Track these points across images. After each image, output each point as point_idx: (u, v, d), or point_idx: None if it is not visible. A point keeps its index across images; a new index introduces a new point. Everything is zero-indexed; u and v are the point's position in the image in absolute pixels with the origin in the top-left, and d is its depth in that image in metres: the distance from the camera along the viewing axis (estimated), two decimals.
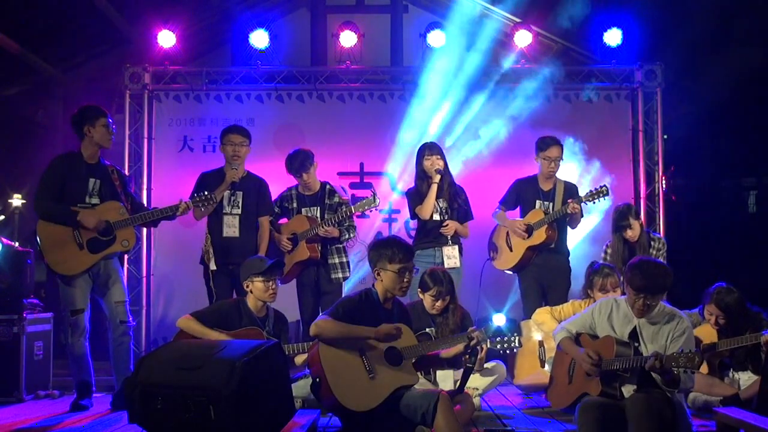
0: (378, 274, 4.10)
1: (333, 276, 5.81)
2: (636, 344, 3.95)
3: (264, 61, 7.65)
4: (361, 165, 7.69)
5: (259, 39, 7.50)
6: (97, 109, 5.22)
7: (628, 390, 3.89)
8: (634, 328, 4.00)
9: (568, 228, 6.00)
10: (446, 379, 4.79)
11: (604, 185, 5.69)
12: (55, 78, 8.60)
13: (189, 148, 7.67)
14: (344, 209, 5.74)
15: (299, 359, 4.78)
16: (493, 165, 7.44)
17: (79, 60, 8.66)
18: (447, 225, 5.74)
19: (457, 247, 5.79)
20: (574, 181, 6.26)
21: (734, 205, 9.75)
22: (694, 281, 5.71)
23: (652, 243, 5.90)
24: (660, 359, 3.68)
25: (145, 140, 7.61)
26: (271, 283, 4.75)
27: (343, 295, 5.57)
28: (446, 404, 3.74)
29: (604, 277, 5.06)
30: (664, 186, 7.52)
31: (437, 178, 5.72)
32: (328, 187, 5.96)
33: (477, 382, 4.88)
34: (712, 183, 9.58)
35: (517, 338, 4.29)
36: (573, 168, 7.11)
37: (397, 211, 7.60)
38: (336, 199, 5.91)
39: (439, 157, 5.80)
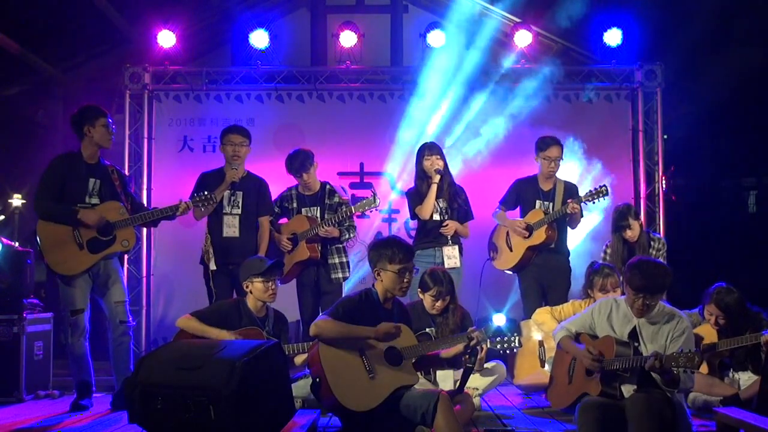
0: (378, 274, 4.10)
1: (333, 276, 5.81)
2: (636, 344, 3.95)
3: (264, 61, 7.65)
4: (361, 165, 7.69)
5: (259, 39, 7.50)
6: (96, 109, 5.22)
7: (627, 390, 3.89)
8: (634, 327, 4.01)
9: (569, 228, 6.00)
10: (446, 379, 4.79)
11: (604, 185, 5.69)
12: (55, 78, 8.60)
13: (189, 148, 7.67)
14: (344, 209, 5.74)
15: (299, 359, 4.78)
16: (493, 165, 7.45)
17: (79, 60, 8.66)
18: (447, 225, 5.74)
19: (457, 247, 5.79)
20: (574, 181, 6.26)
21: (734, 205, 9.74)
22: (694, 281, 5.71)
23: (652, 243, 5.90)
24: (660, 359, 3.68)
25: (145, 140, 7.61)
26: (270, 283, 4.75)
27: (343, 295, 5.58)
28: (446, 404, 3.74)
29: (604, 277, 5.06)
30: (664, 186, 7.52)
31: (437, 178, 5.72)
32: (328, 187, 5.96)
33: (477, 382, 4.88)
34: (712, 183, 9.58)
35: (517, 338, 4.29)
36: (573, 168, 7.11)
37: (397, 211, 7.60)
38: (336, 199, 5.91)
39: (438, 157, 5.80)
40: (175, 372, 3.35)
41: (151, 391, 3.33)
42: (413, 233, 6.27)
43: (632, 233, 5.81)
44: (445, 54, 7.53)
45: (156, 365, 3.43)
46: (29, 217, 7.59)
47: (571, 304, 5.23)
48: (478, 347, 4.22)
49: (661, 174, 7.52)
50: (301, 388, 4.74)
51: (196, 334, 4.59)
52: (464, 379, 4.31)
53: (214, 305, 5.05)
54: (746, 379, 4.87)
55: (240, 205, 5.71)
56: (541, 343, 5.23)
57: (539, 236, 5.77)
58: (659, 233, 7.10)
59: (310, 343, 4.35)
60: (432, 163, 5.77)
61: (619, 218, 5.85)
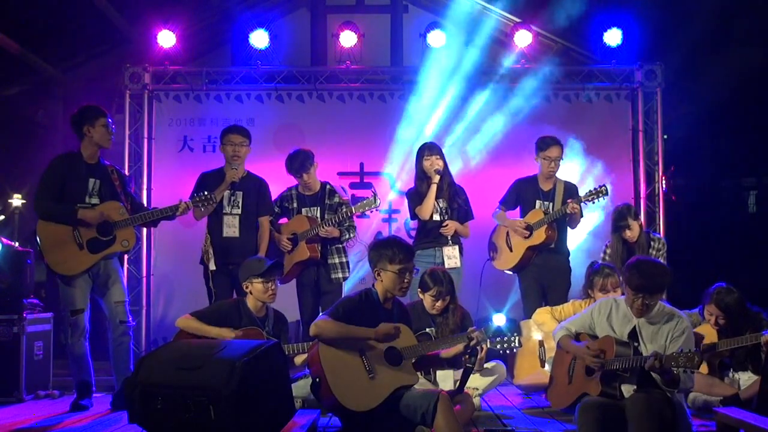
0: (378, 275, 4.10)
1: (333, 276, 5.81)
2: (635, 344, 3.95)
3: (264, 61, 7.65)
4: (361, 165, 7.69)
5: (259, 39, 7.49)
6: (96, 109, 5.22)
7: (627, 390, 3.90)
8: (634, 327, 4.01)
9: (569, 228, 6.00)
10: (446, 379, 4.79)
11: (604, 185, 5.69)
12: (55, 78, 8.60)
13: (189, 148, 7.67)
14: (344, 210, 5.74)
15: (299, 359, 4.79)
16: (493, 165, 7.45)
17: (79, 60, 8.65)
18: (446, 225, 5.74)
19: (457, 247, 5.79)
20: (574, 181, 6.26)
21: (734, 205, 9.74)
22: (694, 281, 5.71)
23: (652, 243, 5.90)
24: (659, 359, 3.68)
25: (145, 140, 7.61)
26: (270, 284, 4.75)
27: (343, 295, 5.58)
28: (446, 404, 3.74)
29: (604, 278, 5.06)
30: (664, 186, 7.52)
31: (436, 178, 5.72)
32: (328, 187, 5.96)
33: (477, 382, 4.88)
34: (712, 183, 9.58)
35: (517, 338, 4.29)
36: (573, 168, 7.11)
37: (397, 211, 7.60)
38: (336, 200, 5.91)
39: (438, 157, 5.80)
40: (175, 372, 3.35)
41: (151, 391, 3.33)
42: (413, 233, 6.28)
43: (631, 233, 5.81)
44: (445, 54, 7.53)
45: (156, 365, 3.43)
46: (29, 217, 7.59)
47: (571, 304, 5.23)
48: (478, 347, 4.22)
49: (661, 174, 7.52)
50: (301, 388, 4.74)
51: (195, 333, 4.59)
52: (464, 379, 4.31)
53: (214, 305, 5.05)
54: (746, 379, 4.86)
55: (240, 205, 5.71)
56: (541, 343, 5.23)
57: (539, 236, 5.77)
58: (659, 233, 7.10)
59: (310, 343, 4.35)
60: (432, 164, 5.77)
61: (619, 218, 5.85)
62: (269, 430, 3.50)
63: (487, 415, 4.87)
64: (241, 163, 5.74)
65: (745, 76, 7.76)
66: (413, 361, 4.09)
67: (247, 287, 4.77)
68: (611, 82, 7.66)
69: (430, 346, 4.19)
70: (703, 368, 4.83)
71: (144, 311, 7.43)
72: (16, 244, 6.58)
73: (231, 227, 5.66)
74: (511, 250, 5.93)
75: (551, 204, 5.89)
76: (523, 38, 7.52)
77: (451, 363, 4.36)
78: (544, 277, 5.89)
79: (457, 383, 4.43)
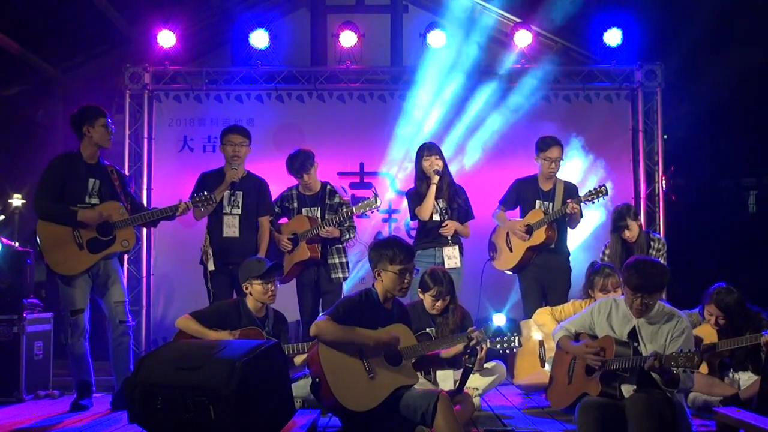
0: (378, 275, 4.10)
1: (333, 276, 5.81)
2: (635, 344, 3.95)
3: (264, 61, 7.65)
4: (361, 165, 7.69)
5: (259, 39, 7.49)
6: (96, 109, 5.22)
7: (627, 390, 3.90)
8: (633, 327, 4.01)
9: (569, 228, 6.00)
10: (446, 379, 4.79)
11: (604, 185, 5.69)
12: (55, 78, 8.60)
13: (189, 148, 7.67)
14: (345, 210, 5.74)
15: (299, 359, 4.79)
16: (493, 165, 7.45)
17: (79, 60, 8.65)
18: (446, 225, 5.74)
19: (457, 247, 5.79)
20: (574, 181, 6.25)
21: (734, 205, 9.74)
22: (694, 281, 5.71)
23: (652, 243, 5.90)
24: (659, 359, 3.68)
25: (145, 140, 7.60)
26: (270, 285, 4.75)
27: (342, 295, 5.58)
28: (446, 404, 3.74)
29: (605, 278, 5.06)
30: (664, 186, 7.52)
31: (436, 179, 5.72)
32: (328, 187, 5.96)
33: (477, 382, 4.88)
34: (712, 183, 9.58)
35: (516, 338, 4.29)
36: (573, 168, 7.12)
37: (397, 211, 7.60)
38: (336, 200, 5.91)
39: (438, 157, 5.80)
40: (175, 372, 3.35)
41: (151, 391, 3.33)
42: (413, 233, 6.28)
43: (631, 234, 5.81)
44: (444, 54, 7.53)
45: (156, 365, 3.43)
46: (29, 217, 7.59)
47: (571, 304, 5.23)
48: (478, 347, 4.22)
49: (661, 174, 7.52)
50: (301, 388, 4.74)
51: (194, 336, 4.59)
52: (464, 379, 4.31)
53: (214, 306, 5.05)
54: (746, 379, 4.87)
55: (240, 205, 5.71)
56: (541, 343, 5.23)
57: (539, 236, 5.76)
58: (659, 233, 7.10)
59: (310, 343, 4.35)
60: (431, 164, 5.76)
61: (618, 218, 5.86)
62: (269, 430, 3.50)
63: (487, 415, 4.87)
64: (241, 163, 5.74)
65: (745, 76, 7.76)
66: (413, 361, 4.09)
67: (246, 288, 4.77)
68: (611, 82, 7.66)
69: (430, 346, 4.19)
70: (703, 368, 4.83)
71: (144, 311, 7.43)
72: (16, 244, 6.58)
73: (231, 227, 5.66)
74: (511, 251, 5.93)
75: (551, 204, 5.89)
76: (523, 38, 7.51)
77: (451, 363, 4.36)
78: (544, 277, 5.89)
79: (457, 383, 4.43)
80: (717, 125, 8.62)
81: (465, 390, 4.43)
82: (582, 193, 5.81)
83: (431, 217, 5.75)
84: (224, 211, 5.67)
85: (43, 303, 6.19)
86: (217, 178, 5.69)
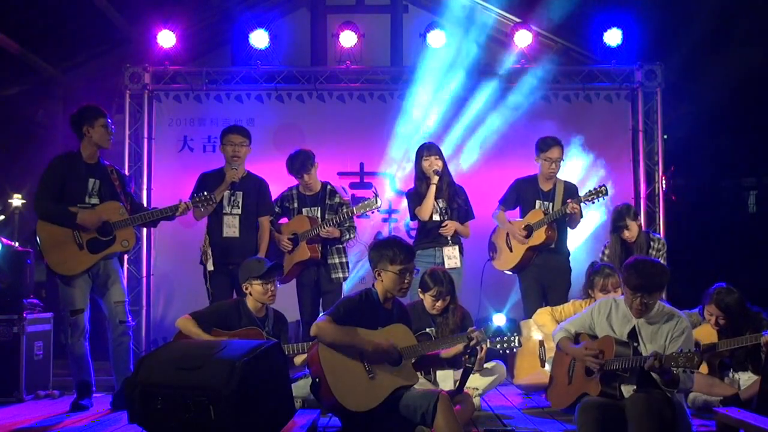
0: (378, 275, 4.10)
1: (333, 276, 5.81)
2: (635, 344, 3.95)
3: (264, 61, 7.65)
4: (361, 165, 7.69)
5: (259, 39, 7.49)
6: (96, 109, 5.22)
7: (627, 390, 3.90)
8: (633, 327, 4.01)
9: (569, 228, 5.99)
10: (446, 379, 4.79)
11: (604, 185, 5.69)
12: (55, 78, 8.60)
13: (189, 148, 7.67)
14: (345, 210, 5.74)
15: (299, 359, 4.79)
16: (492, 165, 7.44)
17: (79, 60, 8.65)
18: (446, 225, 5.73)
19: (457, 247, 5.79)
20: (573, 181, 6.25)
21: (734, 205, 9.74)
22: (694, 281, 5.71)
23: (652, 243, 5.90)
24: (659, 359, 3.68)
25: (145, 140, 7.60)
26: (269, 285, 4.75)
27: (343, 295, 5.59)
28: (446, 404, 3.74)
29: (605, 278, 5.06)
30: (664, 186, 7.52)
31: (435, 179, 5.72)
32: (329, 187, 5.96)
33: (477, 382, 4.88)
34: (712, 183, 9.58)
35: (516, 338, 4.29)
36: (573, 168, 7.11)
37: (396, 211, 7.60)
38: (337, 200, 5.91)
39: (437, 157, 5.79)
40: (175, 372, 3.35)
41: (151, 391, 3.33)
42: (413, 233, 6.28)
43: (630, 234, 5.81)
44: (444, 54, 7.53)
45: (156, 365, 3.43)
46: (29, 217, 7.59)
47: (571, 304, 5.23)
48: (478, 347, 4.22)
49: (661, 174, 7.51)
50: (301, 388, 4.74)
51: (193, 338, 4.59)
52: (464, 379, 4.31)
53: (214, 306, 5.05)
54: (746, 379, 4.87)
55: (240, 205, 5.71)
56: (541, 343, 5.23)
57: (539, 236, 5.76)
58: (659, 233, 7.10)
59: (310, 343, 4.35)
60: (431, 164, 5.76)
61: (618, 218, 5.86)
62: (269, 430, 3.50)
63: (487, 415, 4.87)
64: (241, 163, 5.74)
65: (745, 76, 7.76)
66: (413, 361, 4.09)
67: (246, 288, 4.77)
68: (611, 82, 7.66)
69: (430, 346, 4.19)
70: (703, 368, 4.83)
71: (144, 311, 7.43)
72: (16, 244, 6.58)
73: (231, 227, 5.66)
74: (511, 251, 5.93)
75: (551, 204, 5.89)
76: (523, 38, 7.51)
77: (451, 363, 4.35)
78: (544, 277, 5.89)
79: (457, 383, 4.43)
80: (717, 125, 8.62)
81: (465, 390, 4.43)
82: (582, 193, 5.81)
83: (431, 217, 5.75)
84: (224, 211, 5.67)
85: (43, 303, 6.19)
86: (217, 178, 5.69)
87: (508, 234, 5.95)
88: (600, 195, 5.65)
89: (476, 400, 4.82)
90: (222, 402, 3.22)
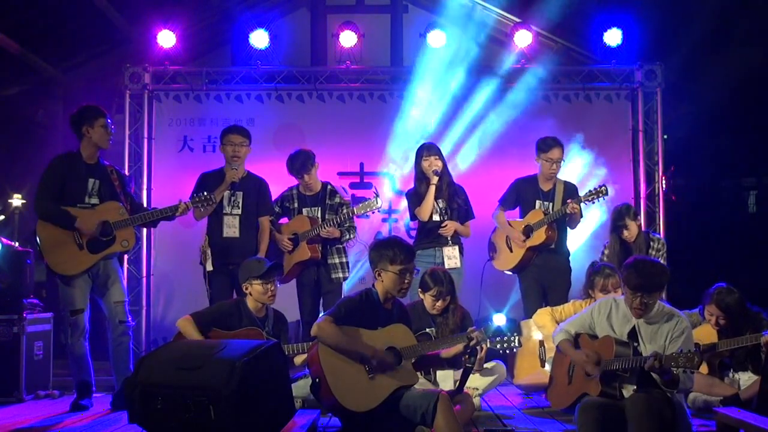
0: (379, 275, 4.10)
1: (333, 276, 5.81)
2: (635, 344, 3.96)
3: (264, 61, 7.64)
4: (361, 165, 7.69)
5: (259, 39, 7.49)
6: (96, 109, 5.22)
7: (627, 390, 3.90)
8: (633, 327, 4.01)
9: (569, 228, 5.99)
10: (446, 379, 4.79)
11: (604, 185, 5.69)
12: (55, 78, 8.60)
13: (189, 148, 7.67)
14: (346, 211, 5.74)
15: (299, 359, 4.78)
16: (492, 165, 7.44)
17: (79, 60, 8.65)
18: (446, 225, 5.73)
19: (457, 247, 5.78)
20: (573, 181, 6.25)
21: (734, 205, 9.74)
22: (694, 281, 5.71)
23: (652, 243, 5.90)
24: (659, 359, 3.68)
25: (145, 140, 7.60)
26: (269, 285, 4.75)
27: (343, 295, 5.59)
28: (446, 404, 3.74)
29: (605, 278, 5.06)
30: (664, 186, 7.52)
31: (435, 179, 5.71)
32: (329, 187, 5.96)
33: (477, 382, 4.88)
34: (712, 183, 9.58)
35: (516, 338, 4.29)
36: (573, 168, 7.10)
37: (396, 211, 7.60)
38: (337, 200, 5.91)
39: (437, 157, 5.79)
40: (175, 372, 3.35)
41: (151, 391, 3.33)
42: (413, 233, 6.28)
43: (629, 234, 5.81)
44: (444, 54, 7.52)
45: (156, 365, 3.43)
46: (29, 217, 7.59)
47: (572, 304, 5.23)
48: (478, 347, 4.22)
49: (661, 174, 7.51)
50: (301, 388, 4.74)
51: None
52: (464, 379, 4.31)
53: (214, 306, 5.04)
54: (746, 379, 4.87)
55: (240, 205, 5.71)
56: (541, 343, 5.23)
57: (539, 237, 5.76)
58: (659, 233, 7.10)
59: (310, 343, 4.35)
60: (430, 164, 5.76)
61: (617, 218, 5.87)
62: (269, 430, 3.50)
63: (487, 415, 4.87)
64: (241, 164, 5.74)
65: (745, 76, 7.76)
66: (413, 361, 4.09)
67: (246, 288, 4.77)
68: (611, 82, 7.65)
69: (430, 346, 4.19)
70: (703, 368, 4.83)
71: (144, 311, 7.43)
72: (16, 244, 6.57)
73: (231, 227, 5.66)
74: (511, 251, 5.93)
75: (551, 204, 5.89)
76: (523, 38, 7.51)
77: (451, 363, 4.35)
78: (544, 277, 5.89)
79: (457, 383, 4.43)
80: (717, 125, 8.62)
81: (465, 390, 4.43)
82: (582, 193, 5.81)
83: (431, 217, 5.75)
84: (224, 212, 5.67)
85: (43, 303, 6.19)
86: (217, 179, 5.69)
87: (508, 234, 5.96)
88: (600, 195, 5.65)
89: (476, 400, 4.82)
90: (222, 402, 3.22)
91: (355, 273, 6.84)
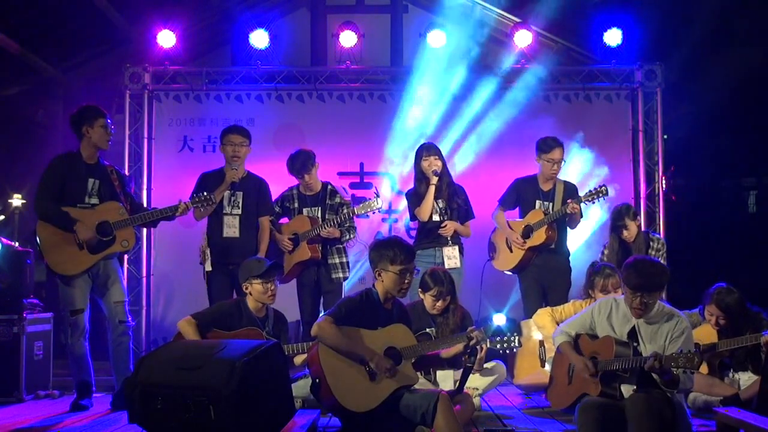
0: (379, 275, 4.10)
1: (333, 276, 5.81)
2: (635, 344, 3.96)
3: (264, 61, 7.64)
4: (361, 165, 7.69)
5: (259, 39, 7.49)
6: (95, 109, 5.22)
7: (627, 390, 3.90)
8: (633, 327, 4.01)
9: (569, 228, 5.99)
10: (446, 379, 4.79)
11: (604, 185, 5.69)
12: (55, 78, 8.60)
13: (189, 148, 7.67)
14: (346, 211, 5.74)
15: (299, 359, 4.78)
16: (492, 165, 7.43)
17: (79, 60, 8.66)
18: (445, 226, 5.73)
19: (457, 247, 5.78)
20: (573, 181, 6.25)
21: (734, 205, 9.75)
22: (694, 281, 5.71)
23: (651, 243, 5.90)
24: (659, 359, 3.68)
25: (145, 140, 7.60)
26: (269, 285, 4.75)
27: (343, 295, 5.59)
28: (446, 404, 3.74)
29: (605, 278, 5.06)
30: (664, 186, 7.51)
31: (435, 179, 5.71)
32: (329, 187, 5.96)
33: (477, 382, 4.88)
34: (712, 183, 9.58)
35: (516, 338, 4.29)
36: (573, 168, 7.10)
37: (396, 211, 7.60)
38: (337, 200, 5.91)
39: (437, 157, 5.79)
40: (175, 372, 3.35)
41: (151, 391, 3.33)
42: (413, 233, 6.27)
43: (629, 234, 5.81)
44: (444, 54, 7.52)
45: (156, 365, 3.43)
46: (29, 217, 7.59)
47: (572, 304, 5.23)
48: (478, 347, 4.21)
49: (661, 174, 7.51)
50: (301, 388, 4.74)
51: None
52: (464, 379, 4.31)
53: (215, 306, 5.04)
54: (746, 379, 4.87)
55: (240, 205, 5.71)
56: (541, 343, 5.23)
57: (539, 237, 5.76)
58: (659, 233, 7.10)
59: (310, 343, 4.35)
60: (430, 164, 5.76)
61: (617, 218, 5.87)
62: (269, 430, 3.50)
63: (487, 415, 4.87)
64: (241, 164, 5.74)
65: (745, 76, 7.76)
66: (413, 361, 4.09)
67: (246, 288, 4.77)
68: (611, 82, 7.65)
69: (430, 346, 4.19)
70: (703, 368, 4.83)
71: (144, 311, 7.43)
72: (16, 244, 6.57)
73: (231, 227, 5.66)
74: (510, 251, 5.92)
75: (551, 204, 5.88)
76: (523, 38, 7.51)
77: (451, 363, 4.35)
78: (544, 277, 5.89)
79: (457, 383, 4.43)
80: (717, 125, 8.62)
81: (465, 390, 4.43)
82: (582, 193, 5.81)
83: (431, 217, 5.75)
84: (224, 212, 5.67)
85: (43, 303, 6.19)
86: (217, 179, 5.69)
87: None
88: (600, 195, 5.65)
89: (476, 400, 4.82)
90: (222, 402, 3.22)
91: (355, 273, 6.84)
